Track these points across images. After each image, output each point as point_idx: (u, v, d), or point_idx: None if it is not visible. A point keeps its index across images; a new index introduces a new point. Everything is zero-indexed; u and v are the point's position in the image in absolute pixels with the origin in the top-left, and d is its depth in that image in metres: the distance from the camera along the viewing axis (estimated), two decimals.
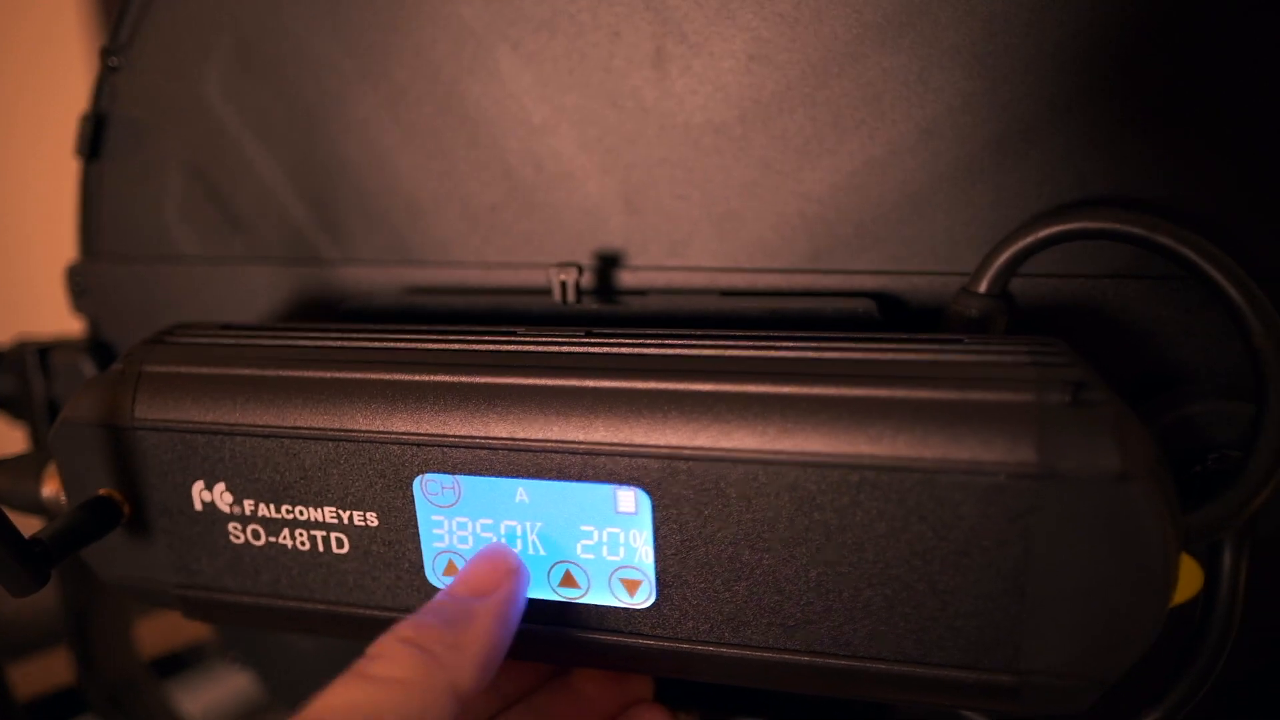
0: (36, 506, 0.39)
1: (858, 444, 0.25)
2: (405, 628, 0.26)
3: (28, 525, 0.31)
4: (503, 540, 0.29)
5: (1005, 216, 0.31)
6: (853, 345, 0.26)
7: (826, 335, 0.27)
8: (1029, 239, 0.30)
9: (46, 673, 1.22)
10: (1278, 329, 0.26)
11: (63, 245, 0.47)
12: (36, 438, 0.45)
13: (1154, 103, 0.29)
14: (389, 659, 0.25)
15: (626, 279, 0.35)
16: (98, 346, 0.45)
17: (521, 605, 0.29)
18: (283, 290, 0.40)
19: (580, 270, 0.33)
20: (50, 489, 0.38)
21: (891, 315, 0.32)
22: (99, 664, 0.54)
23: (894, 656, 0.26)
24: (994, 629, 0.25)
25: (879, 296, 0.32)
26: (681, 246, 0.34)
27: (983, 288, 0.30)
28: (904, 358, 0.26)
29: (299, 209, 0.39)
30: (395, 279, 0.38)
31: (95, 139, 0.42)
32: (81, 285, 0.44)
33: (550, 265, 0.34)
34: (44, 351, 0.46)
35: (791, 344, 0.27)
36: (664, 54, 0.33)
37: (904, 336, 0.27)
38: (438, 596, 0.28)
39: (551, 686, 0.35)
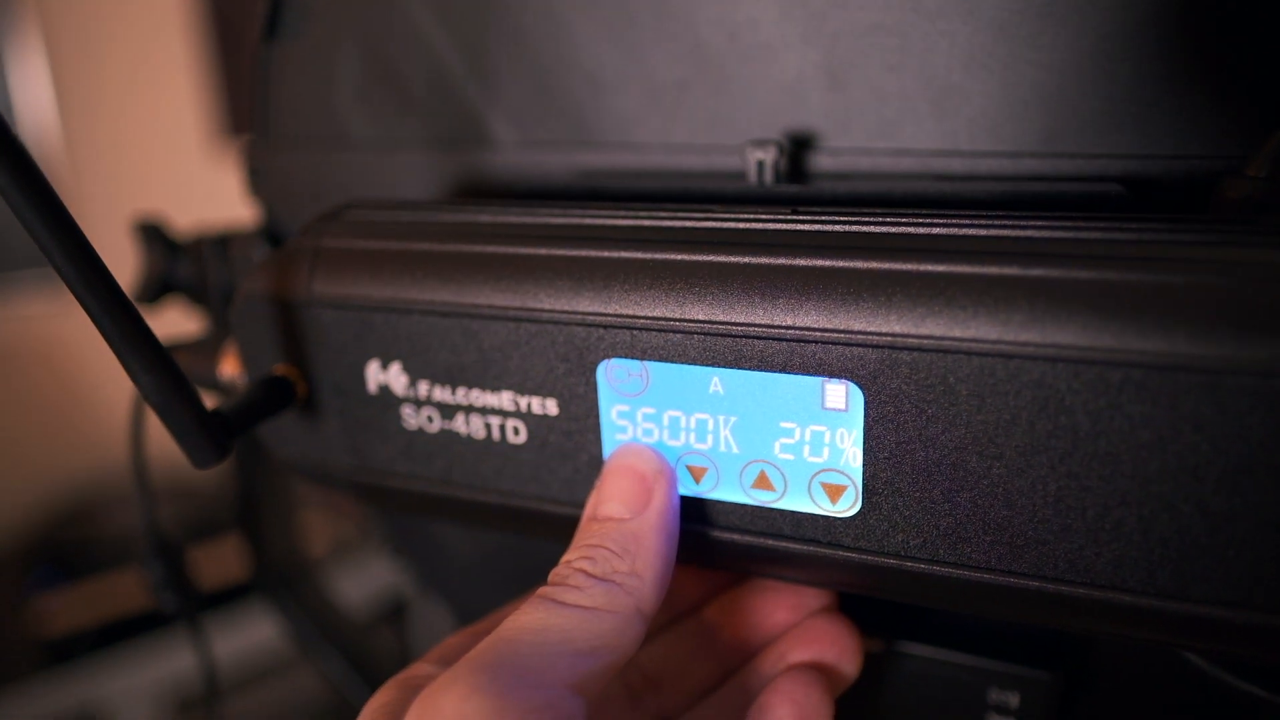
0: (214, 386, 0.39)
1: (1124, 337, 0.21)
2: (584, 564, 0.25)
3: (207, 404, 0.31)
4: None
5: None
6: (1116, 225, 0.23)
7: (1081, 215, 0.23)
8: None
9: (216, 559, 1.31)
10: None
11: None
12: (215, 323, 0.46)
13: None
14: (577, 588, 0.25)
15: (824, 163, 0.32)
16: (272, 235, 0.44)
17: (677, 507, 0.27)
18: (454, 176, 0.38)
19: (780, 149, 0.30)
20: (227, 369, 0.38)
21: (1143, 204, 0.28)
22: (268, 549, 0.55)
23: (1143, 588, 0.22)
24: (1275, 562, 0.21)
25: (1126, 183, 0.28)
26: (891, 126, 0.31)
27: (1264, 172, 0.25)
28: (1183, 239, 0.22)
29: (472, 87, 0.37)
30: (572, 163, 0.36)
31: (273, 18, 0.41)
32: (256, 167, 0.43)
33: (743, 144, 0.31)
34: (221, 242, 0.46)
35: (1040, 223, 0.23)
36: None
37: (1179, 217, 0.23)
38: (593, 516, 0.27)
39: (722, 598, 0.33)
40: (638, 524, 0.26)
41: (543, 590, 0.25)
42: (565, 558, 0.26)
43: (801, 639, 0.30)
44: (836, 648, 0.30)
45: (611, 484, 0.27)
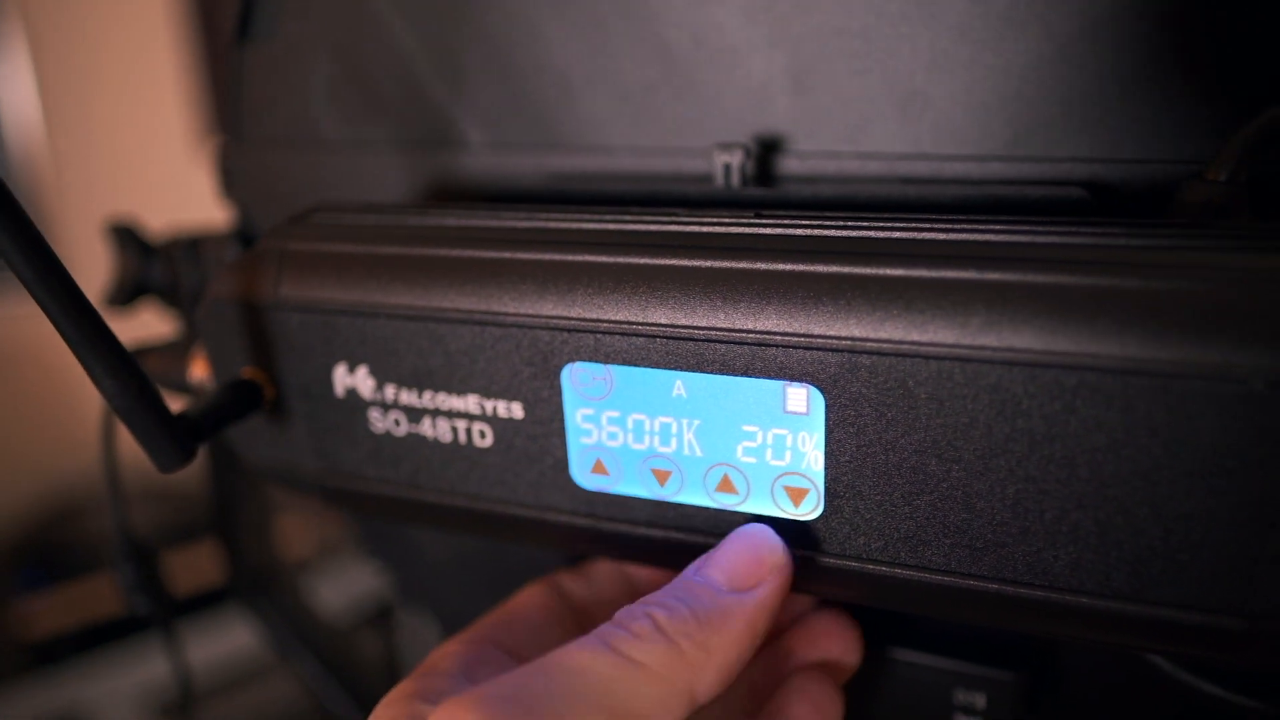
0: (185, 389, 0.39)
1: (1079, 340, 0.21)
2: (659, 611, 0.24)
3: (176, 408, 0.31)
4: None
5: (1250, 95, 0.27)
6: (1073, 230, 0.23)
7: (1040, 219, 0.24)
8: None
9: (193, 563, 1.30)
10: None
11: None
12: (187, 325, 0.46)
13: None
14: (638, 640, 0.23)
15: (791, 166, 0.32)
16: (245, 237, 0.44)
17: (777, 609, 0.25)
18: (426, 177, 0.38)
19: (746, 152, 0.30)
20: (197, 372, 0.38)
21: (1106, 208, 0.28)
22: (244, 553, 0.55)
23: (1100, 590, 0.23)
24: (1227, 564, 0.21)
25: (1089, 187, 0.28)
26: (857, 130, 0.31)
27: (1223, 175, 0.26)
28: (1138, 243, 0.22)
29: (443, 89, 0.37)
30: (541, 165, 0.36)
31: (245, 19, 0.41)
32: (229, 169, 0.43)
33: (710, 148, 0.31)
34: (193, 244, 0.46)
35: (998, 227, 0.23)
36: None
37: (1136, 221, 0.23)
38: (691, 575, 0.25)
39: None
40: (733, 602, 0.24)
41: (604, 628, 0.24)
42: (645, 597, 0.25)
43: (808, 636, 0.30)
44: (842, 642, 0.30)
45: (727, 552, 0.25)
